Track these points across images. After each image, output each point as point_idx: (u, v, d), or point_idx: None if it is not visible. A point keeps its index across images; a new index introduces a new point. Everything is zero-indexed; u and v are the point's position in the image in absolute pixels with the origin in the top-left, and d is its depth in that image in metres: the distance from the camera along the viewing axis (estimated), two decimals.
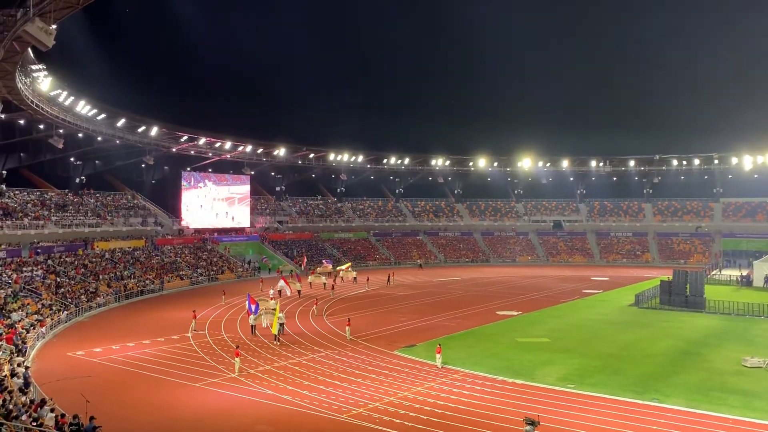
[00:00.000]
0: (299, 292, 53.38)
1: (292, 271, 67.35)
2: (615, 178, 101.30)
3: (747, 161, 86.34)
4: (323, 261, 71.58)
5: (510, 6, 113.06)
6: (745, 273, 63.28)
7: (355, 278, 63.68)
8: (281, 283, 52.02)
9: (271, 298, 45.82)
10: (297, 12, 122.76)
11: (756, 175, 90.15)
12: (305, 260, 70.78)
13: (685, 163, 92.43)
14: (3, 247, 48.69)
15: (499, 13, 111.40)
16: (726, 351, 31.60)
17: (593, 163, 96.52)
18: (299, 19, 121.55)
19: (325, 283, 58.85)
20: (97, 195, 69.75)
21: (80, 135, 59.95)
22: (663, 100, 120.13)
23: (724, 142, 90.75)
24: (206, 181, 78.63)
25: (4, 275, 43.71)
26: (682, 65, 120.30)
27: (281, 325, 35.46)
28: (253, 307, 36.97)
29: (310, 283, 59.58)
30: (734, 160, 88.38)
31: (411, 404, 23.05)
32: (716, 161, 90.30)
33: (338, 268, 66.61)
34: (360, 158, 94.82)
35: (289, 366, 29.03)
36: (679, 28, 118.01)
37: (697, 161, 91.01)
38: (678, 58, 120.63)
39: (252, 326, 36.70)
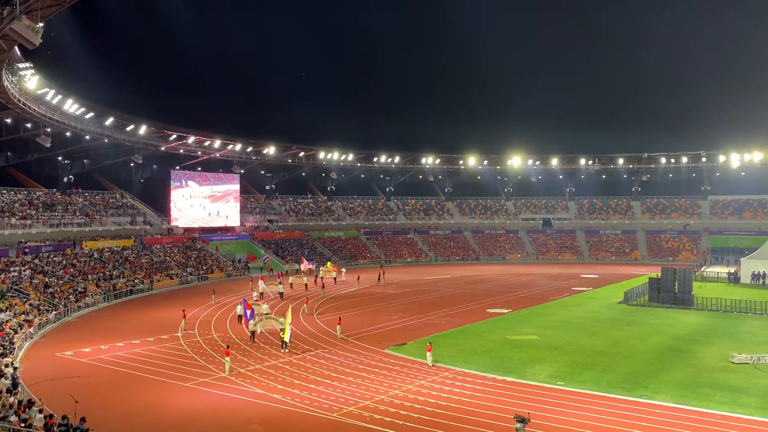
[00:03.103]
0: (281, 294, 52.40)
1: (297, 270, 66.18)
2: (604, 176, 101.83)
3: (734, 159, 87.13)
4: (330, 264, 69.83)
5: (501, 7, 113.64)
6: (732, 270, 63.89)
7: (335, 279, 62.67)
8: (262, 284, 51.44)
9: (256, 301, 45.44)
10: (287, 11, 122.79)
11: (743, 173, 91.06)
12: (311, 266, 68.58)
13: (673, 161, 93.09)
14: None
15: (491, 14, 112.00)
16: (714, 347, 31.90)
17: (582, 161, 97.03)
18: (289, 18, 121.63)
19: (306, 284, 57.47)
20: (86, 194, 69.17)
21: (68, 134, 59.47)
22: (651, 99, 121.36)
23: (712, 141, 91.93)
24: (195, 179, 78.21)
25: None
26: (670, 64, 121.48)
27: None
28: (248, 312, 35.72)
29: (291, 284, 58.34)
30: (722, 158, 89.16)
31: (402, 402, 23.08)
32: (704, 159, 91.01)
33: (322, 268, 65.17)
34: (350, 156, 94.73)
35: (279, 365, 28.98)
36: (667, 27, 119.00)
37: (685, 159, 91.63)
38: (666, 57, 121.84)
39: (251, 333, 34.99)
